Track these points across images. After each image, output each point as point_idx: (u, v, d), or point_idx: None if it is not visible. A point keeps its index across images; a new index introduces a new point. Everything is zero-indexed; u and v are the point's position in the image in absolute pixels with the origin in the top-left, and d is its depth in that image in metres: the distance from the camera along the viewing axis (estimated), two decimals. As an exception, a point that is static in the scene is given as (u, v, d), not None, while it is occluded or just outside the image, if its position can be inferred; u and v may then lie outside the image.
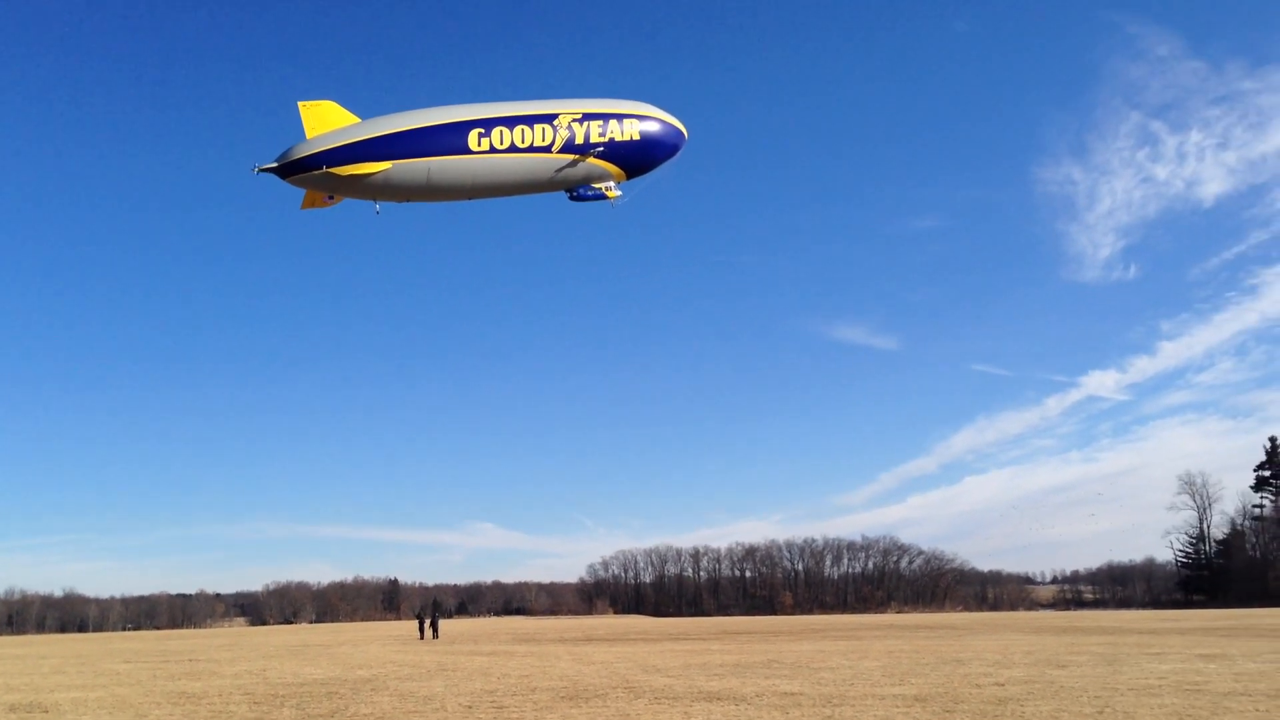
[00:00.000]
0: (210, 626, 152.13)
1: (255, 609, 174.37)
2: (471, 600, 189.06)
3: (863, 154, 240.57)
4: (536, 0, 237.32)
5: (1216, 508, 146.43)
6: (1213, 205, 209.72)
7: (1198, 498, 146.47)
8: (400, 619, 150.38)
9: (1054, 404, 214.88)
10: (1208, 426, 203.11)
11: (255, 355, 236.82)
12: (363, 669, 35.08)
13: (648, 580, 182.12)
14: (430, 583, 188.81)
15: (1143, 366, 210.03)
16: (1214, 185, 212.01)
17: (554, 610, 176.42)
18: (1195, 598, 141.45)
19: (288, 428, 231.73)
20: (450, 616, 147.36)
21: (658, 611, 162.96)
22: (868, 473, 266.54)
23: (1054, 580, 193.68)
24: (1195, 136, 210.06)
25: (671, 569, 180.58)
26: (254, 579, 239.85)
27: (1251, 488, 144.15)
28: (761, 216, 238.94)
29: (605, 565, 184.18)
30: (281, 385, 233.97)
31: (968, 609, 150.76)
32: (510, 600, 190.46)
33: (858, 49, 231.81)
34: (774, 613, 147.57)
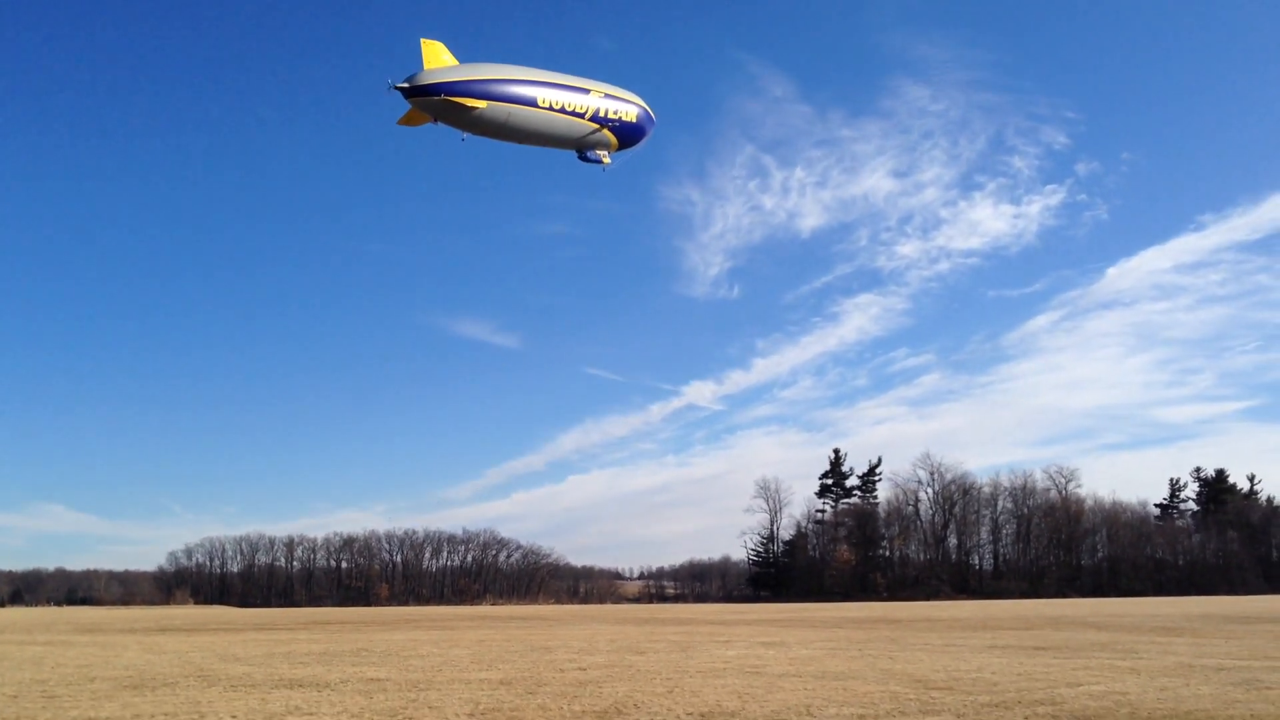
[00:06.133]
0: None
1: None
2: (29, 589, 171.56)
3: (495, 155, 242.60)
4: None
5: (786, 512, 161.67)
6: (809, 237, 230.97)
7: (770, 502, 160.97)
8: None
9: (657, 410, 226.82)
10: (787, 438, 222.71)
11: None
12: (-119, 660, 30.54)
13: (235, 570, 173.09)
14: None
15: (737, 380, 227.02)
16: (811, 219, 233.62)
17: (126, 600, 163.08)
18: (763, 593, 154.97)
19: None
20: (1, 606, 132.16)
21: (244, 602, 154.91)
22: (476, 468, 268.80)
23: (641, 576, 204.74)
24: (799, 173, 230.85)
25: (263, 558, 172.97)
26: None
27: (816, 494, 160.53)
28: (390, 206, 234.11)
29: (189, 553, 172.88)
30: None
31: (560, 602, 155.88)
32: (75, 589, 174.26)
33: (500, 55, 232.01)
34: (369, 604, 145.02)
